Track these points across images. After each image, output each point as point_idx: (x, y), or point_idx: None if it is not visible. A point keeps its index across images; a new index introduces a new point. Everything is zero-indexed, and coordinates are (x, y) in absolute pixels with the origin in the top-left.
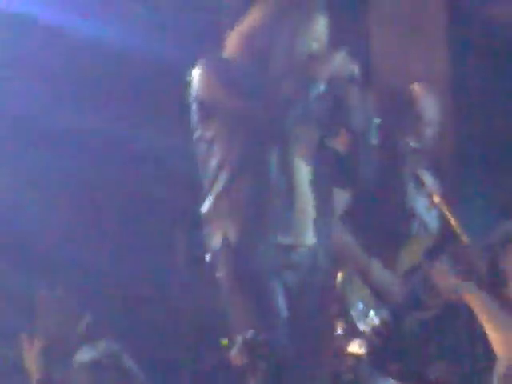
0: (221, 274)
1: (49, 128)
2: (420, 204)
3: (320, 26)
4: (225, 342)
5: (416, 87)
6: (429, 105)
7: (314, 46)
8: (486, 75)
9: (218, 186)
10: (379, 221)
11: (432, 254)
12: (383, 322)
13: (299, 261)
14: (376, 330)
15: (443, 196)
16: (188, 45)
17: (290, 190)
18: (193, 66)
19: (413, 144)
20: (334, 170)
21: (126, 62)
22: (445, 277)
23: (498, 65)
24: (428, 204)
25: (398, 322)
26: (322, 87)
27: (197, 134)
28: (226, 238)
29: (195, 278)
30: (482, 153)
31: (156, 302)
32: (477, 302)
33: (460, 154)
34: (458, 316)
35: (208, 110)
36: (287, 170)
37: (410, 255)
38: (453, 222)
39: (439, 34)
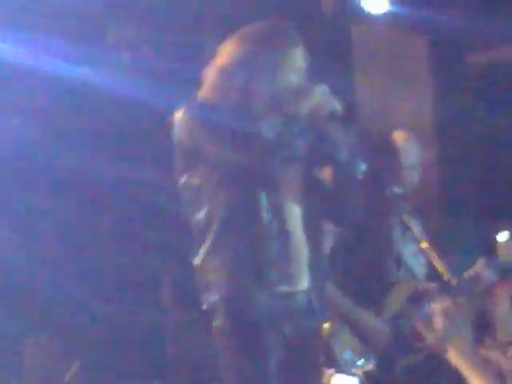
0: (217, 324)
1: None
2: (407, 250)
3: (299, 60)
4: None
5: (398, 132)
6: (411, 150)
7: (294, 80)
8: (469, 117)
9: (209, 240)
10: (367, 266)
11: (417, 299)
12: (373, 369)
13: (296, 307)
14: (367, 375)
15: (430, 242)
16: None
17: (283, 234)
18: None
19: (397, 189)
20: (323, 208)
21: (116, 107)
22: (427, 327)
23: (483, 106)
24: (415, 250)
25: (388, 368)
26: (303, 123)
27: (182, 181)
28: (221, 290)
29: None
30: (467, 197)
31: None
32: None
33: (444, 198)
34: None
35: (191, 157)
36: (278, 214)
37: (396, 301)
38: (440, 268)
39: (422, 74)
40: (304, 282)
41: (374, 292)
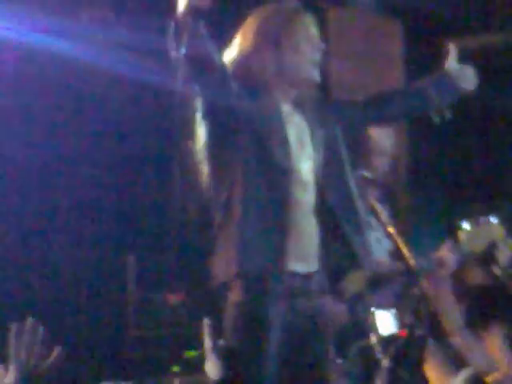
0: (229, 301)
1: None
2: (371, 235)
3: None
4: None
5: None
6: (382, 135)
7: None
8: None
9: (226, 219)
10: (337, 253)
11: (375, 284)
12: None
13: (309, 287)
14: None
15: (396, 227)
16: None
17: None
18: None
19: (366, 174)
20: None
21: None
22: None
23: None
24: (379, 236)
25: (343, 348)
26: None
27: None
28: (237, 267)
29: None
30: (436, 182)
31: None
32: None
33: (413, 183)
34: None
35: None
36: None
37: (353, 285)
38: (404, 252)
39: (397, 58)
40: (314, 265)
41: (340, 274)
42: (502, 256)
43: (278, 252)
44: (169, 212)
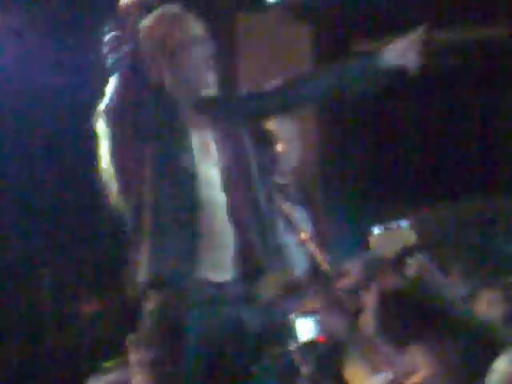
0: (145, 310)
1: None
2: (291, 240)
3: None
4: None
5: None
6: (288, 135)
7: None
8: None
9: (138, 226)
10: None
11: (290, 290)
12: None
13: (225, 295)
14: None
15: (311, 232)
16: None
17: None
18: None
19: (278, 180)
20: None
21: None
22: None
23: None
24: (294, 239)
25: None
26: None
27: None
28: (154, 271)
29: None
30: (347, 184)
31: None
32: None
33: (325, 185)
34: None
35: None
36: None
37: (268, 290)
38: (318, 260)
39: (306, 62)
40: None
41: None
42: (414, 262)
43: (191, 259)
44: (85, 220)
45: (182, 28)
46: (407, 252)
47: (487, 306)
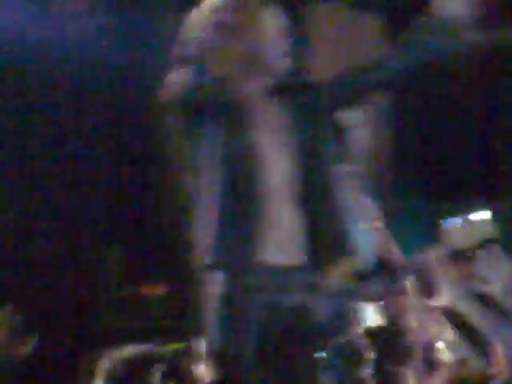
0: (206, 293)
1: None
2: (356, 227)
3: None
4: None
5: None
6: (360, 129)
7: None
8: (424, 98)
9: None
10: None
11: (363, 277)
12: None
13: (295, 281)
14: None
15: (381, 219)
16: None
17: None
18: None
19: (347, 168)
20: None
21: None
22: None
23: (438, 87)
24: (365, 227)
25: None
26: None
27: None
28: (216, 257)
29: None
30: (419, 175)
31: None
32: None
33: (396, 177)
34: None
35: None
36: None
37: (337, 278)
38: (390, 245)
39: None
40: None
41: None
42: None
43: (253, 243)
44: (149, 204)
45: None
46: (486, 244)
47: None
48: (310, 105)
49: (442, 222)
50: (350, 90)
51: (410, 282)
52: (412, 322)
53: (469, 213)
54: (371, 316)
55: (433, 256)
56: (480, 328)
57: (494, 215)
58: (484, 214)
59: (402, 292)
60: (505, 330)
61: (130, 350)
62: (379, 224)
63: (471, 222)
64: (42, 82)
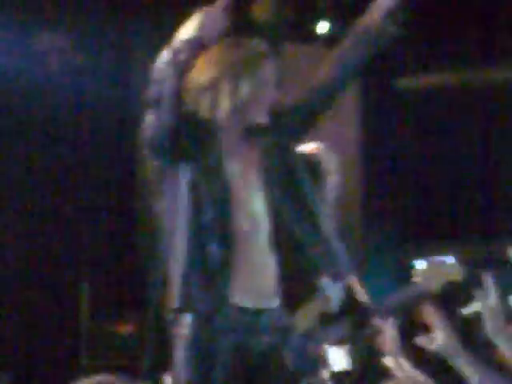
0: (177, 332)
1: None
2: (326, 270)
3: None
4: None
5: (321, 149)
6: (332, 167)
7: None
8: (395, 139)
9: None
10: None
11: (329, 320)
12: None
13: (265, 324)
14: None
15: (350, 262)
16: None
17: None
18: None
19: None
20: None
21: None
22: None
23: (410, 130)
24: (334, 271)
25: None
26: None
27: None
28: (186, 299)
29: None
30: (389, 216)
31: None
32: None
33: (367, 217)
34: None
35: None
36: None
37: (304, 320)
38: (358, 286)
39: (350, 97)
40: (271, 299)
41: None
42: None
43: (224, 286)
44: (124, 241)
45: (245, 46)
46: (453, 287)
47: None
48: (280, 142)
49: (411, 262)
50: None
51: (382, 324)
52: (386, 363)
53: (436, 255)
54: (339, 359)
55: (404, 298)
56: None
57: (460, 258)
58: (450, 258)
59: (372, 334)
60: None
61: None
62: (348, 268)
63: (438, 265)
64: (18, 119)
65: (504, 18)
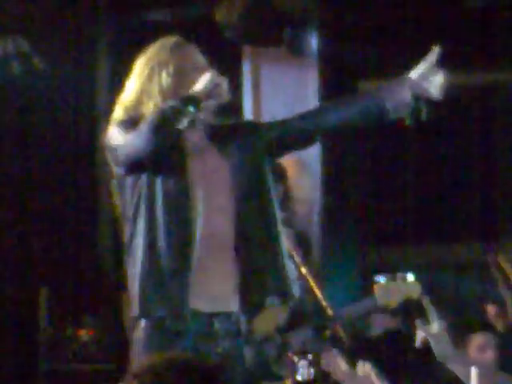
0: (134, 338)
1: None
2: (287, 277)
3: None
4: None
5: (288, 163)
6: (299, 181)
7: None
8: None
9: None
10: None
11: (288, 326)
12: None
13: (221, 328)
14: None
15: (310, 269)
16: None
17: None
18: None
19: (281, 217)
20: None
21: None
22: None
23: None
24: (294, 278)
25: None
26: None
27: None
28: (144, 305)
29: None
30: (351, 227)
31: None
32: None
33: (328, 228)
34: None
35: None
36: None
37: (264, 325)
38: (318, 294)
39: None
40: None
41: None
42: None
43: (180, 290)
44: (85, 245)
45: (185, 55)
46: (410, 304)
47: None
48: (248, 147)
49: (372, 276)
50: (290, 133)
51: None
52: (343, 375)
53: (397, 270)
54: (299, 367)
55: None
56: None
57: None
58: (409, 275)
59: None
60: None
61: None
62: (305, 270)
63: (398, 281)
64: None
65: (504, 17)
